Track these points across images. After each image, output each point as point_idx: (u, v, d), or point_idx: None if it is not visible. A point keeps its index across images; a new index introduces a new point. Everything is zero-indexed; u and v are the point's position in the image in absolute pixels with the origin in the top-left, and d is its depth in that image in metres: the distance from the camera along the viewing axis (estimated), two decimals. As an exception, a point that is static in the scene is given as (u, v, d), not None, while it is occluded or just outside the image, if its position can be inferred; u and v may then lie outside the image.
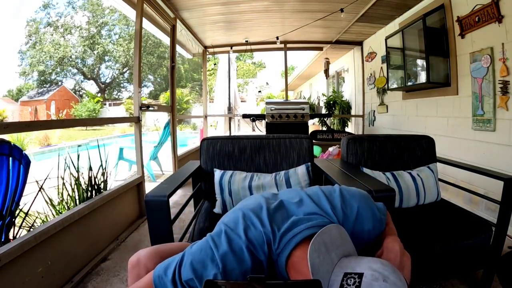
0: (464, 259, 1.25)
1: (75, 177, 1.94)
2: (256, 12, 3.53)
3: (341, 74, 7.02)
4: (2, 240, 1.32)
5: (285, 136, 1.59)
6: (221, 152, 1.53)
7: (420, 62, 3.02)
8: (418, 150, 1.70)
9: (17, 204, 1.40)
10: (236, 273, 0.64)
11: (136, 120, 2.41)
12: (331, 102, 5.86)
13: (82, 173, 2.00)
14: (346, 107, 5.69)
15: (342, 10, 3.22)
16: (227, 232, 0.68)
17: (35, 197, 1.55)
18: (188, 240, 1.28)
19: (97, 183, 2.04)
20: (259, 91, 21.14)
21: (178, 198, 2.79)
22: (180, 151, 3.95)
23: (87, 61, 25.26)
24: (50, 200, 1.83)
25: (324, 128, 6.23)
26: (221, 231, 0.69)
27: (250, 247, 0.65)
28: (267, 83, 24.49)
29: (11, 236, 1.41)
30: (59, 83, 24.44)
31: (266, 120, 3.70)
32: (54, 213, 1.85)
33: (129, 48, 23.72)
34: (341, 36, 4.47)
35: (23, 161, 1.39)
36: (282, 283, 0.66)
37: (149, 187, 1.98)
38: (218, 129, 7.98)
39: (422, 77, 2.90)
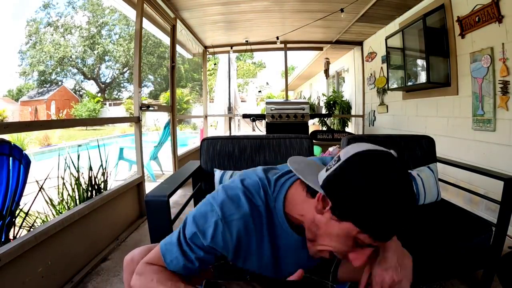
0: (464, 259, 1.25)
1: (75, 177, 1.94)
2: (256, 12, 3.53)
3: (341, 74, 7.02)
4: (2, 240, 1.32)
5: (285, 136, 1.58)
6: (221, 152, 1.53)
7: (420, 62, 3.02)
8: (418, 150, 1.70)
9: (17, 204, 1.40)
10: (235, 218, 0.65)
11: (136, 120, 2.41)
12: (331, 102, 5.87)
13: (82, 173, 2.00)
14: (346, 107, 5.69)
15: (342, 10, 3.23)
16: (224, 186, 0.71)
17: (35, 197, 1.55)
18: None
19: (97, 183, 2.04)
20: (259, 91, 21.14)
21: (178, 198, 2.79)
22: (180, 151, 3.95)
23: (87, 61, 25.28)
24: (50, 200, 1.83)
25: (324, 128, 6.23)
26: (219, 188, 0.72)
27: (246, 192, 0.68)
28: (267, 83, 24.50)
29: (11, 236, 1.41)
30: (59, 83, 24.46)
31: (266, 120, 3.70)
32: (54, 213, 1.85)
33: (129, 48, 23.72)
34: (341, 36, 4.47)
35: (23, 161, 1.39)
36: (282, 282, 0.66)
37: (149, 187, 1.98)
38: (218, 129, 7.98)
39: (422, 77, 2.90)
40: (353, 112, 5.54)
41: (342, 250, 0.61)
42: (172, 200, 1.03)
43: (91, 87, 26.32)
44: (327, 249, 0.62)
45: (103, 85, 26.50)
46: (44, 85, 23.84)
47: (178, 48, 4.41)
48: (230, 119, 5.70)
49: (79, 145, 5.98)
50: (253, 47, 4.90)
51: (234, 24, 4.00)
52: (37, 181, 1.69)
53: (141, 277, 0.67)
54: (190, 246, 0.66)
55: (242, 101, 12.17)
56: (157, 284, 0.64)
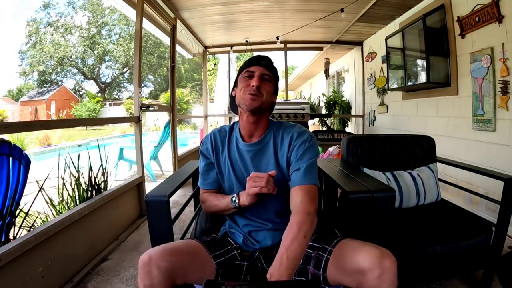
0: (464, 259, 1.25)
1: (75, 177, 1.94)
2: (256, 12, 3.53)
3: (341, 74, 7.01)
4: (2, 240, 1.32)
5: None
6: (221, 152, 1.53)
7: (420, 62, 3.02)
8: (418, 150, 1.70)
9: (17, 204, 1.40)
10: (212, 132, 1.07)
11: (136, 120, 2.41)
12: (331, 102, 5.86)
13: (82, 173, 2.00)
14: (346, 107, 5.69)
15: (342, 10, 3.22)
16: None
17: (35, 197, 1.55)
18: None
19: (97, 183, 2.04)
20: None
21: (178, 198, 2.79)
22: (180, 151, 3.95)
23: (87, 61, 25.26)
24: (50, 200, 1.83)
25: (324, 128, 6.23)
26: None
27: (223, 126, 1.10)
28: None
29: (11, 236, 1.41)
30: (59, 83, 24.44)
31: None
32: (54, 213, 1.85)
33: (129, 48, 23.71)
34: (341, 36, 4.47)
35: (23, 161, 1.39)
36: (282, 282, 0.67)
37: (149, 187, 1.98)
38: (218, 129, 7.96)
39: (422, 77, 2.90)
40: (353, 112, 5.54)
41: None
42: (172, 200, 1.03)
43: (91, 87, 26.32)
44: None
45: (103, 85, 26.49)
46: (44, 85, 23.83)
47: (178, 48, 4.41)
48: (230, 119, 5.70)
49: (79, 145, 5.98)
50: (253, 47, 4.90)
51: (234, 24, 4.00)
52: (37, 181, 1.69)
53: (206, 202, 1.07)
54: (200, 162, 1.09)
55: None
56: (213, 199, 1.04)
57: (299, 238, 0.77)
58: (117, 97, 26.79)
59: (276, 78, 1.02)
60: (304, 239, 0.78)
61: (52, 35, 23.74)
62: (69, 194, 1.91)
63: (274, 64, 1.03)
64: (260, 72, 0.96)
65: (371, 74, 4.56)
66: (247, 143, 1.00)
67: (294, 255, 0.74)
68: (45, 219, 1.80)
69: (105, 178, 2.14)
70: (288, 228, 0.81)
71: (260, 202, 0.96)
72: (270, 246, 0.98)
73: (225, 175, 1.03)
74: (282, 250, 0.76)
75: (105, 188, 2.12)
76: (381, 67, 4.13)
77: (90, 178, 1.98)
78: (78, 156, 2.06)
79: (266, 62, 0.99)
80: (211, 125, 9.31)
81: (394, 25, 3.69)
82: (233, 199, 0.96)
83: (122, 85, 27.41)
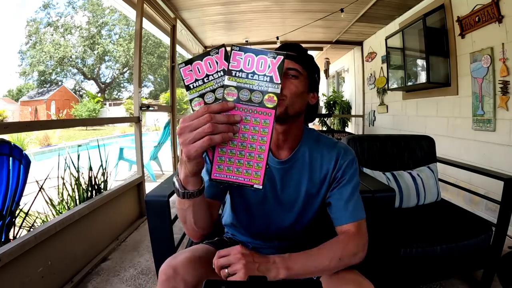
0: (464, 259, 1.25)
1: (75, 177, 1.94)
2: (256, 12, 3.53)
3: (341, 74, 7.01)
4: (2, 240, 1.32)
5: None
6: (221, 152, 1.53)
7: (420, 62, 3.02)
8: (418, 150, 1.70)
9: (17, 204, 1.40)
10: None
11: (136, 120, 2.41)
12: (331, 102, 5.87)
13: (82, 173, 2.00)
14: (346, 107, 5.69)
15: (342, 10, 3.22)
16: None
17: (35, 197, 1.55)
18: (188, 241, 1.28)
19: (97, 183, 2.04)
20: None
21: (178, 198, 2.79)
22: (180, 151, 3.94)
23: (87, 61, 25.31)
24: (50, 200, 1.83)
25: (324, 128, 6.23)
26: None
27: None
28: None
29: (11, 236, 1.41)
30: (59, 83, 24.49)
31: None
32: (54, 213, 1.85)
33: (129, 48, 23.73)
34: (341, 36, 4.47)
35: (23, 161, 1.39)
36: (282, 282, 0.66)
37: (149, 187, 1.98)
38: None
39: (422, 77, 2.90)
40: (353, 112, 5.54)
41: None
42: (172, 200, 1.03)
43: (91, 87, 26.37)
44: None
45: (103, 85, 26.51)
46: (44, 85, 23.86)
47: (178, 48, 4.41)
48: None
49: (79, 145, 5.97)
50: (253, 47, 4.90)
51: (234, 24, 4.00)
52: (37, 181, 1.69)
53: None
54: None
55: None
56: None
57: (334, 256, 0.66)
58: (117, 97, 26.82)
59: (309, 70, 0.78)
60: (337, 261, 0.67)
61: (52, 35, 23.78)
62: (69, 194, 1.91)
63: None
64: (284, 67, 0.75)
65: (371, 74, 4.56)
66: (276, 159, 0.80)
67: (310, 264, 0.65)
68: (45, 219, 1.80)
69: (105, 178, 2.13)
70: (333, 239, 0.71)
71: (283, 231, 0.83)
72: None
73: (237, 192, 0.83)
74: (309, 250, 0.67)
75: (105, 188, 2.12)
76: (381, 67, 4.13)
77: (90, 178, 1.98)
78: (78, 156, 2.06)
79: (293, 52, 0.75)
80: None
81: (394, 25, 3.69)
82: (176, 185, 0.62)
83: (122, 85, 27.45)
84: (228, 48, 0.54)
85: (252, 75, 0.53)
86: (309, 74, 0.78)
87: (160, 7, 2.96)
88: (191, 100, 0.54)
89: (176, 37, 3.55)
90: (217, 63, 0.54)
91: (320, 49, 5.38)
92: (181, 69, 0.54)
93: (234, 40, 4.76)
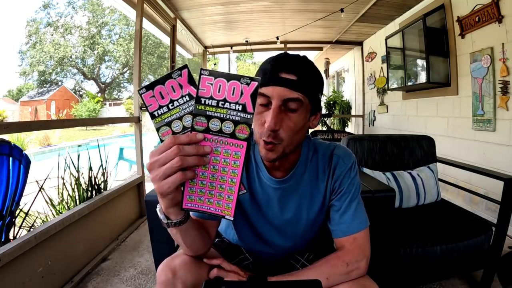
0: (464, 259, 1.25)
1: (75, 177, 1.94)
2: (256, 12, 3.53)
3: (341, 74, 7.02)
4: (2, 240, 1.32)
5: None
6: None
7: (420, 62, 3.02)
8: (418, 150, 1.70)
9: (17, 204, 1.40)
10: None
11: (136, 120, 2.41)
12: (331, 102, 5.86)
13: (82, 173, 2.00)
14: (346, 107, 5.69)
15: (342, 10, 3.22)
16: None
17: (35, 197, 1.55)
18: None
19: (97, 183, 2.04)
20: (259, 91, 21.08)
21: (178, 198, 2.79)
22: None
23: (87, 61, 25.29)
24: (50, 200, 1.83)
25: (324, 128, 6.23)
26: None
27: None
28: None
29: (11, 236, 1.41)
30: (59, 83, 24.48)
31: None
32: (54, 213, 1.85)
33: (129, 48, 23.72)
34: (341, 36, 4.47)
35: (23, 161, 1.39)
36: (282, 282, 0.66)
37: (149, 187, 1.98)
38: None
39: (422, 77, 2.90)
40: (353, 112, 5.54)
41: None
42: (172, 200, 1.03)
43: (91, 87, 26.35)
44: None
45: (103, 85, 26.50)
46: (44, 85, 23.86)
47: (178, 48, 4.41)
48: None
49: (79, 145, 5.97)
50: (253, 47, 4.90)
51: (234, 24, 4.00)
52: (37, 181, 1.69)
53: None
54: None
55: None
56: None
57: (320, 277, 0.65)
58: (117, 97, 26.81)
59: (313, 93, 0.64)
60: (325, 281, 0.66)
61: (52, 35, 23.77)
62: (69, 194, 1.91)
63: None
64: (280, 99, 0.61)
65: (371, 74, 4.56)
66: (273, 178, 0.73)
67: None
68: (45, 219, 1.80)
69: (105, 178, 2.13)
70: (323, 258, 0.70)
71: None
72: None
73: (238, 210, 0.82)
74: (295, 272, 0.68)
75: (105, 188, 2.12)
76: (381, 67, 4.13)
77: (90, 178, 1.98)
78: (78, 156, 2.06)
79: (292, 74, 0.61)
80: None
81: (394, 25, 3.69)
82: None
83: (122, 85, 27.43)
84: (196, 75, 0.49)
85: (223, 103, 0.47)
86: (312, 98, 0.65)
87: (160, 7, 2.96)
88: (158, 129, 0.50)
89: (176, 37, 3.55)
90: (181, 86, 0.49)
91: (320, 49, 5.38)
92: (142, 95, 0.49)
93: (234, 40, 4.76)
